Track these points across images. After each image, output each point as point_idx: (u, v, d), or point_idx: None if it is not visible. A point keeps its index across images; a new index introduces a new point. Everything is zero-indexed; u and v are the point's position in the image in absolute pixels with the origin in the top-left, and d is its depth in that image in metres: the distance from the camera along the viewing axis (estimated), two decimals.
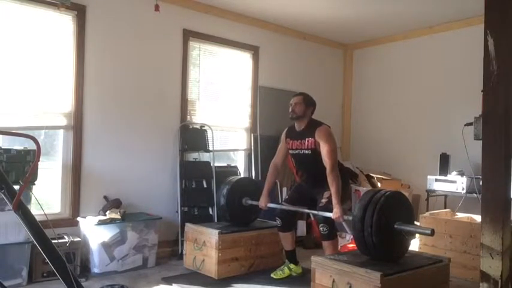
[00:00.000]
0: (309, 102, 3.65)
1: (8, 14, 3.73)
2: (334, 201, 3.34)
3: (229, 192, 3.95)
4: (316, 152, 3.53)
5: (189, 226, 4.06)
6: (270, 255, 4.02)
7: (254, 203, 3.93)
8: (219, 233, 3.73)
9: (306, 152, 3.60)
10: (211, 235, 3.78)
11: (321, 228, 3.41)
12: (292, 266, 3.86)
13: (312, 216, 4.81)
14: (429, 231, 2.76)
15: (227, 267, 3.77)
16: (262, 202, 3.83)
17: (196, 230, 3.96)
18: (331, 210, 3.36)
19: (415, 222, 3.18)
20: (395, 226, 2.81)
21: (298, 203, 3.76)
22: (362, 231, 2.79)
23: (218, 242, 3.71)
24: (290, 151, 3.75)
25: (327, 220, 3.40)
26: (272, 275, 3.80)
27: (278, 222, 3.79)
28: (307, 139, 3.58)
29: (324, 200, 3.48)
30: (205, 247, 3.83)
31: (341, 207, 3.32)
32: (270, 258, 4.00)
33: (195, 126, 4.82)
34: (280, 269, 3.85)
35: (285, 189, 5.23)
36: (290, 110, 3.66)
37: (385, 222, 2.77)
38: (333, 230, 3.48)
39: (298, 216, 4.40)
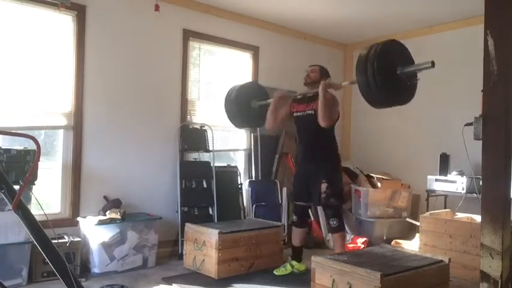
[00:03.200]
0: (323, 73, 3.81)
1: (8, 14, 3.73)
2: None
3: (237, 93, 4.06)
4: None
5: (189, 226, 4.07)
6: (270, 255, 4.02)
7: (262, 103, 4.06)
8: (219, 233, 3.73)
9: (309, 112, 3.70)
10: (211, 235, 3.78)
11: (332, 222, 3.60)
12: (294, 263, 3.92)
13: (312, 216, 4.85)
14: (429, 64, 2.69)
15: (227, 267, 3.77)
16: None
17: (196, 230, 3.97)
18: (333, 203, 3.60)
19: None
20: (397, 72, 2.78)
21: (303, 198, 3.88)
22: (369, 88, 2.75)
23: (218, 242, 3.71)
24: (294, 114, 3.86)
25: (336, 213, 3.57)
26: (274, 272, 3.87)
27: (294, 218, 3.95)
28: (314, 102, 3.66)
29: (325, 191, 3.59)
30: (205, 247, 3.83)
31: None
32: (270, 258, 4.00)
33: (195, 126, 4.82)
34: (283, 266, 3.91)
35: (284, 190, 5.22)
36: (305, 76, 3.83)
37: (387, 73, 2.74)
38: (341, 221, 3.64)
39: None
